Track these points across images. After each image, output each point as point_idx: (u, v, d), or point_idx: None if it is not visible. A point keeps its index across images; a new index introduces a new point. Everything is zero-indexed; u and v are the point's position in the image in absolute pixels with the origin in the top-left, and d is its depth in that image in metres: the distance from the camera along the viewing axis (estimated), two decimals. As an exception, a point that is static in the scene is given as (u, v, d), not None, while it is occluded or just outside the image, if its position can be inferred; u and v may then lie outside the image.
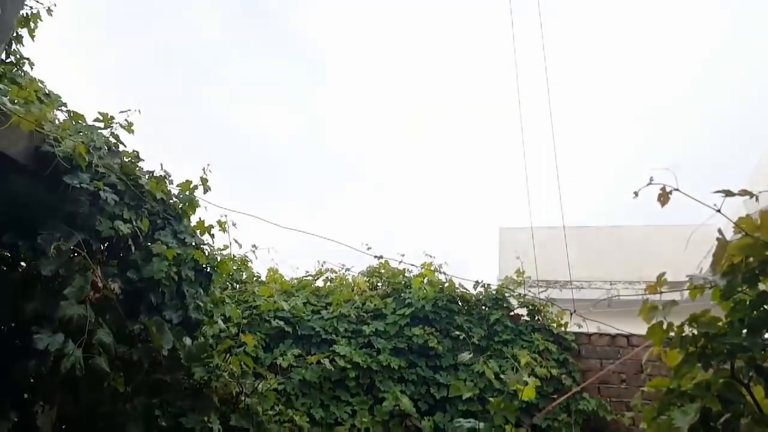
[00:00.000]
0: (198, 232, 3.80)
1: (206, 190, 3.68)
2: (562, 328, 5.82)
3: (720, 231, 1.89)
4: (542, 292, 6.85)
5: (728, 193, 1.85)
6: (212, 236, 3.82)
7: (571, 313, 5.77)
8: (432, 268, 6.24)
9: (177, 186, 3.60)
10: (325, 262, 6.85)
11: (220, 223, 3.91)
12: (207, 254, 3.74)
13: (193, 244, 3.60)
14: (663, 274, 2.00)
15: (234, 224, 4.31)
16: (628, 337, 5.82)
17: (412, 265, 6.45)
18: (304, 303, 6.03)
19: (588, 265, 15.75)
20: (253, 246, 5.63)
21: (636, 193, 1.88)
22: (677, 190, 1.85)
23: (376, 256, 6.39)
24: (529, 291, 6.44)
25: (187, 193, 3.62)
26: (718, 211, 1.90)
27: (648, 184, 1.82)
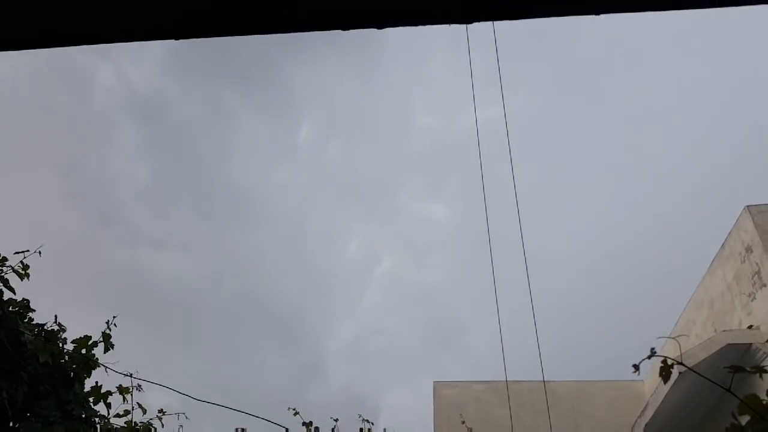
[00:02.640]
0: (92, 399, 3.11)
1: (108, 347, 3.08)
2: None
3: (733, 415, 1.60)
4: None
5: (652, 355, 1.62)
6: (108, 405, 3.12)
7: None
8: (369, 436, 5.56)
9: (72, 342, 2.99)
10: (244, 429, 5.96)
11: (121, 388, 3.24)
12: (100, 426, 3.02)
13: (83, 416, 2.90)
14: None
15: (140, 387, 3.63)
16: None
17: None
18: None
19: (522, 422, 15.10)
20: (161, 411, 4.80)
21: (636, 367, 1.60)
22: (681, 363, 1.58)
23: (304, 423, 5.64)
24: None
25: (84, 351, 3.00)
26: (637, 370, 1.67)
27: (649, 356, 1.54)
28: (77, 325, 3.44)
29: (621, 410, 13.92)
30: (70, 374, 2.89)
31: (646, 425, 10.71)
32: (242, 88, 35.28)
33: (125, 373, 3.66)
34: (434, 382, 16.21)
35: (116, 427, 3.78)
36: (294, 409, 5.66)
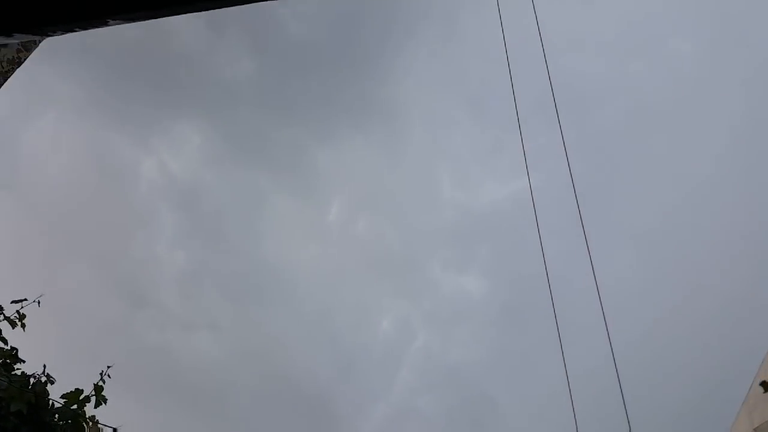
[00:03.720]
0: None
1: (100, 402, 2.74)
2: None
3: None
4: None
5: None
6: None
7: None
8: None
9: (62, 397, 2.67)
10: None
11: (116, 452, 2.86)
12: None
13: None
14: None
15: None
16: None
17: None
18: None
19: None
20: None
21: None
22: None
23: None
24: None
25: (75, 407, 2.67)
26: None
27: None
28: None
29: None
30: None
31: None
32: (274, 173, 36.44)
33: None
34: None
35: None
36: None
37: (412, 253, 38.67)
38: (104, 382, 2.75)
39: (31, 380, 2.54)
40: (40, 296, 3.07)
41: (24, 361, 2.71)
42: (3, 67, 5.22)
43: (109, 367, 2.75)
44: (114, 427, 2.87)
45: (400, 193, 38.66)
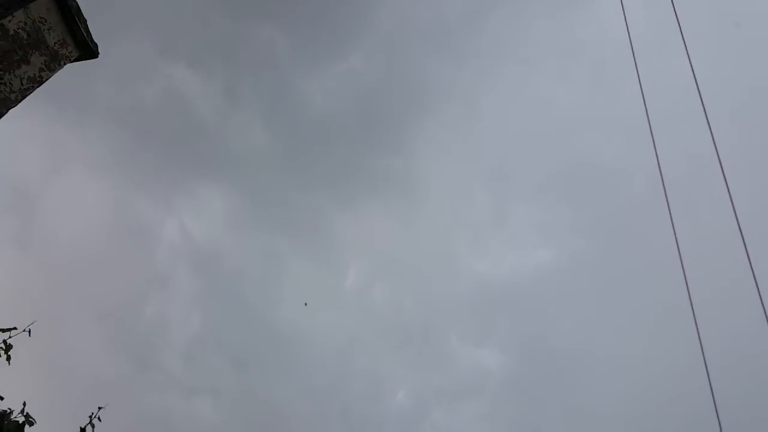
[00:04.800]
0: None
1: (85, 452, 2.29)
2: None
3: None
4: None
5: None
6: None
7: None
8: None
9: (43, 443, 2.24)
10: None
11: None
12: None
13: None
14: None
15: None
16: None
17: None
18: None
19: None
20: None
21: None
22: None
23: None
24: None
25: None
26: None
27: None
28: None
29: None
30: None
31: None
32: (293, 238, 36.41)
33: None
34: None
35: None
36: None
37: (428, 323, 37.67)
38: (93, 426, 2.32)
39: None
40: (32, 323, 2.69)
41: (2, 398, 2.29)
42: (23, 84, 5.20)
43: (100, 408, 2.33)
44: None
45: (417, 262, 38.24)
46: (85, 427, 2.33)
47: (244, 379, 33.74)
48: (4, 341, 2.71)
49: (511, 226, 38.17)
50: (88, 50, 6.60)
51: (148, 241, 32.97)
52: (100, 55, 6.60)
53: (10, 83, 5.26)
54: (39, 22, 6.22)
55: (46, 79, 5.06)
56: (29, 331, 2.79)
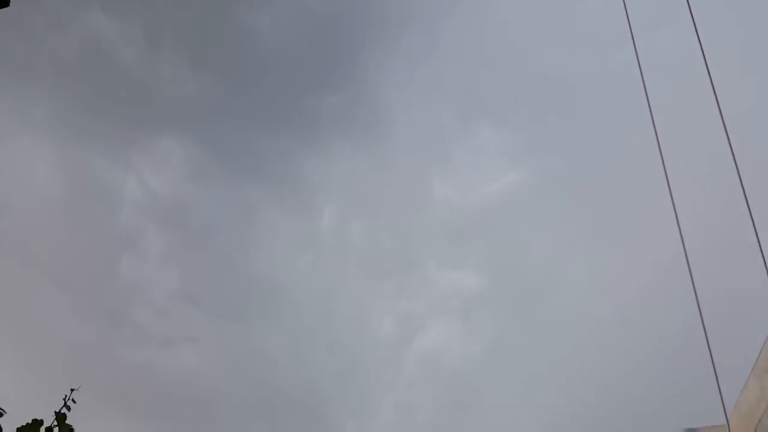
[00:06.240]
0: None
1: (64, 432, 2.25)
2: None
3: None
4: None
5: None
6: None
7: None
8: None
9: (18, 430, 2.18)
10: None
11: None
12: None
13: None
14: None
15: None
16: None
17: None
18: None
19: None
20: None
21: None
22: None
23: None
24: None
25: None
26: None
27: None
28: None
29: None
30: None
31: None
32: (263, 186, 35.82)
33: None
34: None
35: None
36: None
37: (407, 253, 38.33)
38: (69, 409, 2.27)
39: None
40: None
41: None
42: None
43: (72, 390, 2.27)
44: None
45: (391, 197, 38.33)
46: (60, 410, 2.29)
47: (230, 327, 34.17)
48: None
49: (482, 151, 38.31)
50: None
51: (111, 202, 31.96)
52: (10, 5, 6.00)
53: None
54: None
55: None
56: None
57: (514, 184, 35.94)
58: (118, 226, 31.44)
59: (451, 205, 37.02)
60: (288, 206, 36.00)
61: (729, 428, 12.41)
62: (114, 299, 31.03)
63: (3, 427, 2.12)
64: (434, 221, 36.95)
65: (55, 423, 2.22)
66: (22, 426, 2.18)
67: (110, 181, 30.79)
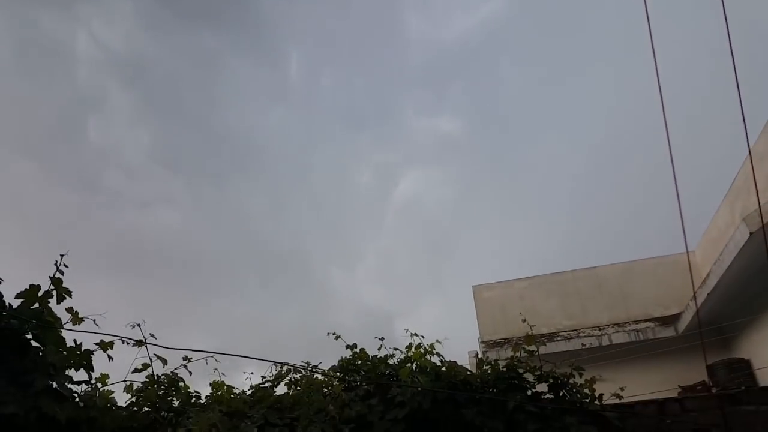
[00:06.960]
0: (73, 362, 2.42)
1: (63, 296, 2.33)
2: (598, 403, 4.50)
3: None
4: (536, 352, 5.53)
5: None
6: (89, 369, 2.42)
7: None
8: (421, 349, 4.90)
9: (17, 297, 2.25)
10: (284, 364, 5.38)
11: (102, 344, 2.52)
12: (79, 396, 2.34)
13: (53, 385, 2.21)
14: None
15: (152, 337, 3.02)
16: (680, 401, 4.58)
17: (394, 349, 5.11)
18: (261, 424, 4.51)
19: (572, 314, 14.61)
20: (185, 359, 4.22)
21: None
22: None
23: (348, 346, 5.01)
24: (541, 359, 5.14)
25: (38, 305, 2.26)
26: None
27: None
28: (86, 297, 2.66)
29: (672, 285, 13.22)
30: (22, 337, 2.18)
31: (708, 294, 10.04)
32: (222, 34, 33.21)
33: (132, 324, 2.99)
34: (473, 286, 15.66)
35: (126, 385, 3.18)
36: (335, 334, 5.06)
37: (383, 99, 37.30)
38: (62, 273, 2.33)
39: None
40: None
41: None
42: None
43: (62, 255, 2.30)
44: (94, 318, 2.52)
45: (363, 38, 36.10)
46: (54, 274, 2.34)
47: (206, 186, 34.21)
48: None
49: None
50: None
51: (65, 62, 29.73)
52: None
53: None
54: None
55: None
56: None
57: (493, 13, 33.91)
58: (77, 88, 29.58)
59: (427, 44, 35.27)
60: (251, 55, 34.02)
61: (692, 253, 13.30)
62: (85, 165, 30.27)
63: (3, 293, 2.18)
64: (409, 63, 35.49)
65: (52, 287, 2.29)
66: (21, 292, 2.25)
67: (60, 38, 28.24)
